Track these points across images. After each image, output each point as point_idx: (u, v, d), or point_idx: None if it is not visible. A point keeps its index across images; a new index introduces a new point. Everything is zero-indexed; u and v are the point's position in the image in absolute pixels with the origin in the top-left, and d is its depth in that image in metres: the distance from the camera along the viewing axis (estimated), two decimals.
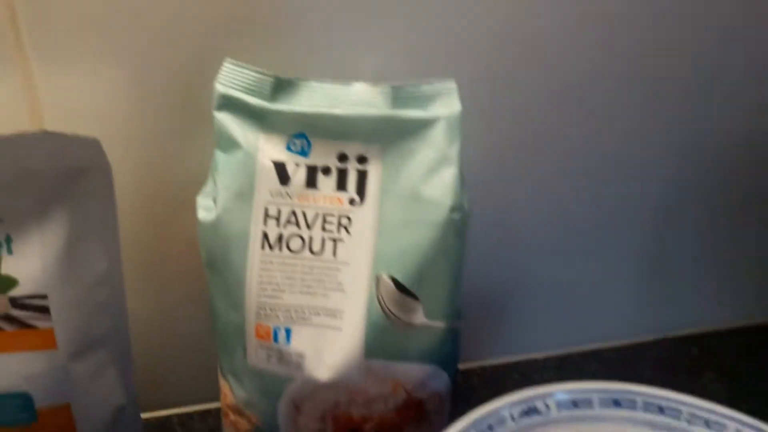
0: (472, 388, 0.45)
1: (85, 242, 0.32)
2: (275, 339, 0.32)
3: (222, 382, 0.36)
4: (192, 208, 0.34)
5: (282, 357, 0.32)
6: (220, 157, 0.32)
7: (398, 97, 0.31)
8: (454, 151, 0.30)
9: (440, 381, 0.33)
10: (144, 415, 0.41)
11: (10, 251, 0.31)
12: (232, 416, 0.35)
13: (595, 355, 0.47)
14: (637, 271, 0.47)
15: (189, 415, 0.42)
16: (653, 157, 0.44)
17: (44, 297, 0.32)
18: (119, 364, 0.35)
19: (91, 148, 0.31)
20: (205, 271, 0.34)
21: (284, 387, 0.32)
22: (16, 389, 0.33)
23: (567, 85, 0.40)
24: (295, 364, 0.32)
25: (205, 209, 0.32)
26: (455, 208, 0.31)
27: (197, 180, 0.35)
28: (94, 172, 0.31)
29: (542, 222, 0.43)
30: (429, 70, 0.37)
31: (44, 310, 0.32)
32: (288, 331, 0.32)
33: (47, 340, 0.33)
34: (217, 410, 0.43)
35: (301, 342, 0.32)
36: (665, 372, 0.46)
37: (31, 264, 0.31)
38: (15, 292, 0.32)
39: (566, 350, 0.47)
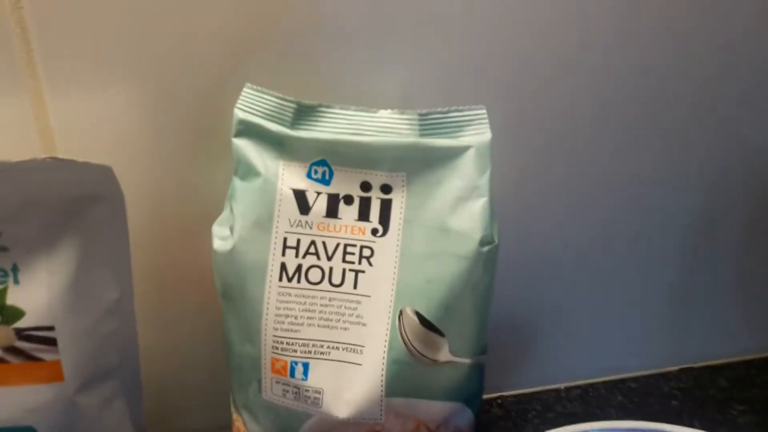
0: (492, 420, 0.43)
1: (95, 272, 0.31)
2: (292, 374, 0.30)
3: (235, 416, 0.34)
4: (207, 237, 0.33)
5: (299, 393, 0.31)
6: (238, 184, 0.31)
7: (426, 125, 0.30)
8: (484, 181, 0.29)
9: (464, 418, 0.32)
10: None
11: (16, 281, 0.30)
12: None
13: (619, 385, 0.46)
14: (664, 299, 0.46)
15: None
16: (680, 186, 0.42)
17: (51, 329, 0.30)
18: (128, 395, 0.34)
19: (103, 175, 0.30)
20: (220, 302, 0.32)
21: (301, 423, 0.31)
22: (21, 423, 0.31)
23: (594, 106, 0.39)
24: (313, 400, 0.30)
25: (222, 238, 0.31)
26: (484, 240, 0.29)
27: (213, 208, 0.34)
28: (106, 200, 0.30)
29: (567, 249, 0.42)
30: (454, 92, 0.36)
31: (51, 342, 0.31)
32: (306, 366, 0.31)
33: (54, 373, 0.31)
34: None
35: (319, 377, 0.30)
36: (692, 403, 0.44)
37: (38, 294, 0.30)
38: (21, 324, 0.30)
39: (589, 380, 0.46)
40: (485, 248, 0.29)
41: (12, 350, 0.31)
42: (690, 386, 0.46)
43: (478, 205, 0.29)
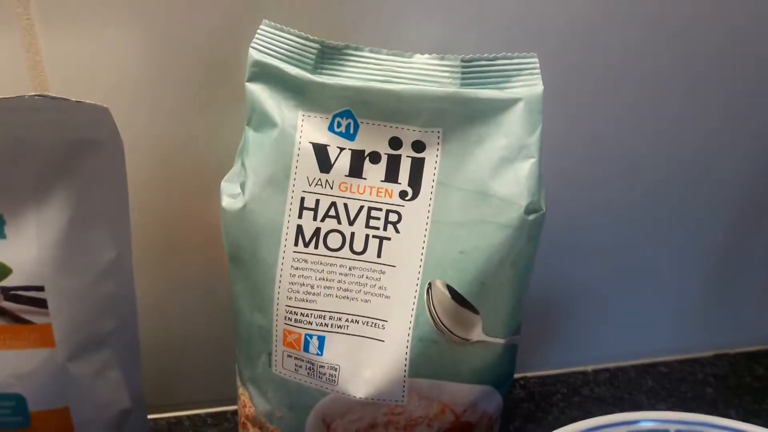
0: (515, 402, 0.41)
1: (90, 227, 0.28)
2: (306, 348, 0.28)
3: (241, 391, 0.32)
4: (215, 193, 0.29)
5: (313, 368, 0.28)
6: (251, 136, 0.28)
7: (469, 73, 0.26)
8: (534, 139, 0.26)
9: (493, 402, 0.29)
10: (152, 416, 0.37)
11: (2, 235, 0.27)
12: (251, 429, 0.31)
13: (649, 369, 0.43)
14: (700, 282, 0.42)
15: (202, 418, 0.38)
16: (725, 169, 0.39)
17: (41, 289, 0.27)
18: (125, 364, 0.31)
19: (99, 117, 0.26)
20: (229, 266, 0.29)
21: (314, 401, 0.28)
22: (8, 389, 0.28)
23: (647, 79, 0.35)
24: (328, 377, 0.28)
25: (231, 196, 0.28)
26: (531, 208, 0.26)
27: (222, 161, 0.31)
28: (103, 147, 0.27)
29: (604, 226, 0.39)
30: (496, 39, 0.32)
31: (41, 304, 0.28)
32: (321, 340, 0.28)
33: (44, 337, 0.28)
34: (234, 413, 0.39)
35: (335, 353, 0.27)
36: (728, 391, 0.42)
37: (26, 251, 0.27)
38: (8, 282, 0.27)
39: (618, 363, 0.43)
40: (531, 216, 0.26)
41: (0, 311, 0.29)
42: (725, 373, 0.43)
43: (526, 167, 0.26)
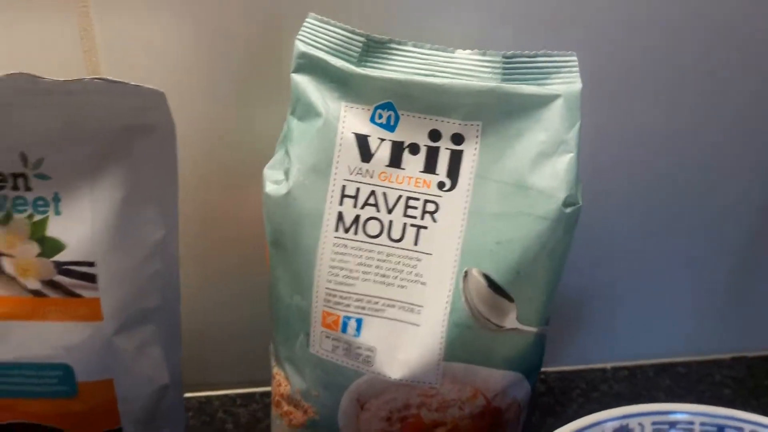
0: (535, 395, 0.42)
1: (141, 208, 0.29)
2: (344, 329, 0.29)
3: (276, 370, 0.33)
4: (257, 180, 0.30)
5: (350, 349, 0.29)
6: (295, 125, 0.29)
7: (510, 68, 0.27)
8: (572, 135, 0.26)
9: (522, 389, 0.30)
10: (184, 395, 0.39)
11: (58, 212, 0.28)
12: (285, 407, 0.32)
13: (667, 369, 0.44)
14: (721, 286, 0.43)
15: (231, 398, 0.39)
16: (746, 170, 0.39)
17: (92, 264, 0.29)
18: (166, 341, 0.33)
19: (155, 102, 0.27)
20: (270, 250, 0.30)
21: (349, 381, 0.29)
22: (57, 360, 0.30)
23: (685, 81, 0.35)
24: (364, 358, 0.29)
25: (274, 182, 0.29)
26: (569, 201, 0.27)
27: (265, 149, 0.32)
28: (156, 131, 0.28)
29: (626, 227, 0.39)
30: (533, 37, 0.32)
31: (91, 279, 0.29)
32: (359, 322, 0.29)
33: (92, 311, 0.30)
34: (262, 395, 0.40)
35: (372, 335, 0.28)
36: (746, 392, 0.42)
37: (80, 228, 0.28)
38: (61, 257, 0.29)
39: (637, 362, 0.44)
40: (568, 209, 0.27)
41: (51, 284, 0.29)
42: (743, 376, 0.44)
43: (564, 161, 0.26)
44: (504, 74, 0.27)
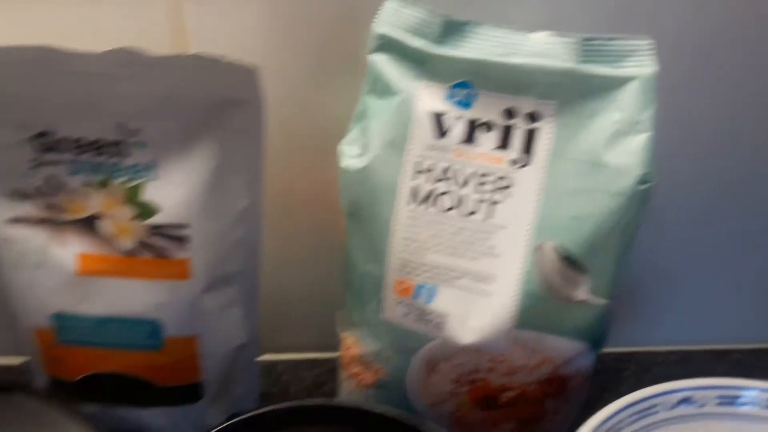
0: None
1: (230, 177, 0.31)
2: (416, 297, 0.30)
3: (346, 334, 0.35)
4: (332, 155, 0.32)
5: (422, 315, 0.30)
6: (373, 102, 0.30)
7: (586, 51, 0.27)
8: (647, 115, 0.27)
9: (587, 360, 0.31)
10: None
11: (153, 178, 0.31)
12: (355, 368, 0.34)
13: (723, 355, 0.44)
14: None
15: (296, 363, 0.42)
16: None
17: (185, 227, 0.31)
18: (246, 302, 0.35)
19: (247, 78, 0.29)
20: (345, 221, 0.32)
21: (420, 345, 0.31)
22: (147, 316, 0.32)
23: (757, 65, 0.35)
24: (436, 324, 0.30)
25: (351, 157, 0.31)
26: (644, 178, 0.27)
27: (340, 126, 0.33)
28: (247, 105, 0.30)
29: (691, 209, 0.39)
30: (605, 22, 0.33)
31: (182, 240, 0.31)
32: (431, 291, 0.30)
33: (182, 271, 0.32)
34: (326, 361, 0.42)
35: (444, 302, 0.30)
36: None
37: (174, 193, 0.31)
38: (156, 220, 0.31)
39: (691, 347, 0.44)
40: (643, 186, 0.28)
41: (144, 245, 0.32)
42: None
43: (640, 140, 0.27)
44: (580, 56, 0.27)
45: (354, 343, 0.34)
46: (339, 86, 0.35)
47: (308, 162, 0.36)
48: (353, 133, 0.31)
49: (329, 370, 0.41)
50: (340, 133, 0.33)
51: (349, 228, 0.32)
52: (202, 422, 0.37)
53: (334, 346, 0.39)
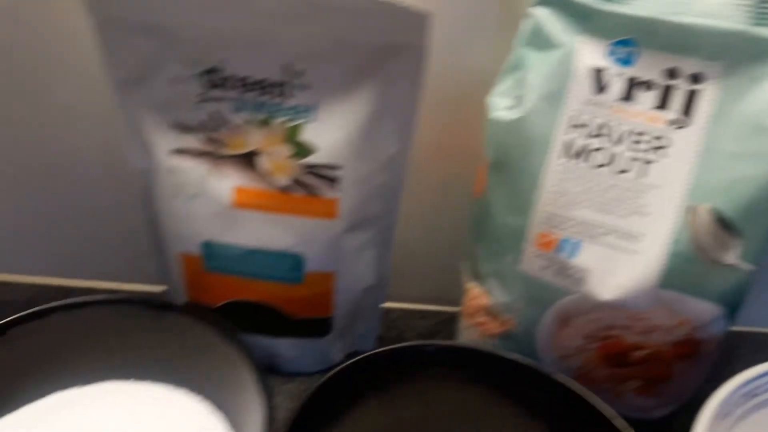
0: None
1: (385, 122, 0.32)
2: (559, 251, 0.31)
3: (473, 284, 0.36)
4: (474, 104, 0.33)
5: (562, 269, 0.31)
6: (532, 55, 0.31)
7: (760, 13, 0.27)
8: None
9: (722, 326, 0.31)
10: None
11: (313, 119, 0.32)
12: (480, 317, 0.35)
13: None
14: None
15: (411, 311, 0.43)
16: None
17: (337, 168, 0.33)
18: (381, 246, 0.36)
19: (418, 23, 0.30)
20: (489, 172, 0.33)
21: (556, 299, 0.32)
22: (293, 250, 0.34)
23: None
24: (576, 278, 0.31)
25: (503, 109, 0.31)
26: None
27: (486, 76, 0.34)
28: (414, 51, 0.31)
29: None
30: None
31: (334, 181, 0.33)
32: (575, 245, 0.31)
33: (330, 210, 0.34)
34: (437, 313, 0.44)
35: (587, 258, 0.30)
36: None
37: (332, 134, 0.32)
38: (311, 160, 0.33)
39: None
40: None
41: (298, 182, 0.33)
42: None
43: None
44: (753, 18, 0.27)
45: (481, 294, 0.35)
46: (487, 37, 0.35)
47: (446, 111, 0.37)
48: (505, 85, 0.32)
49: (441, 322, 0.43)
50: (483, 85, 0.33)
51: (490, 179, 0.33)
52: (326, 356, 0.39)
53: (447, 300, 0.42)
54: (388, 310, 0.43)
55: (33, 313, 0.33)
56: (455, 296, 0.41)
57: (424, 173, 0.39)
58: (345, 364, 0.31)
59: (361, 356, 0.32)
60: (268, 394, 0.30)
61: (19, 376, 0.34)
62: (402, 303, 0.44)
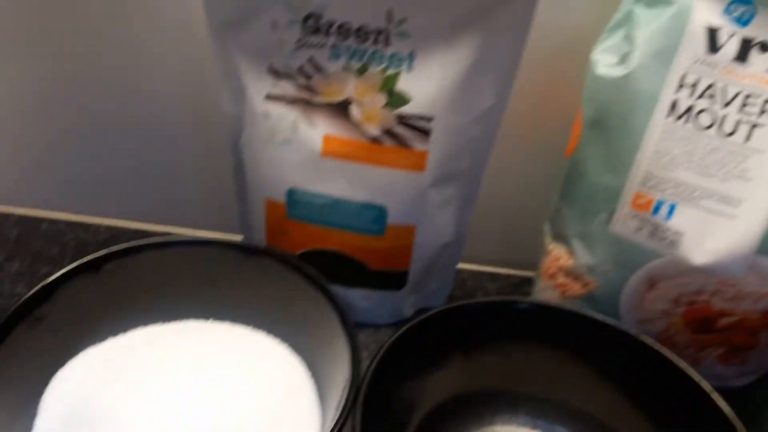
0: None
1: (484, 74, 0.32)
2: (654, 212, 0.31)
3: (554, 245, 0.36)
4: (579, 61, 0.32)
5: (656, 231, 0.31)
6: (641, 11, 0.30)
7: None
8: None
9: None
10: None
11: (410, 68, 0.32)
12: (561, 279, 0.35)
13: None
14: None
15: (481, 273, 0.43)
16: None
17: (430, 119, 0.32)
18: (464, 202, 0.36)
19: None
20: (585, 130, 0.33)
21: (646, 261, 0.31)
22: (377, 201, 0.34)
23: None
24: (669, 241, 0.31)
25: (608, 65, 0.31)
26: None
27: (590, 32, 0.33)
28: (520, 3, 0.30)
29: None
30: None
31: (425, 133, 0.33)
32: (672, 207, 0.30)
33: (419, 162, 0.33)
34: (507, 276, 0.44)
35: (683, 221, 0.30)
36: None
37: (427, 85, 0.32)
38: (405, 110, 0.32)
39: None
40: None
41: (389, 133, 0.33)
42: None
43: None
44: None
45: (564, 255, 0.35)
46: None
47: (544, 66, 0.36)
48: (611, 41, 0.31)
49: (511, 285, 0.43)
50: (584, 41, 0.33)
51: (586, 137, 0.33)
52: (397, 310, 0.39)
53: (518, 263, 0.42)
54: (459, 270, 0.43)
55: (125, 249, 0.34)
56: (527, 260, 0.42)
57: (515, 129, 0.38)
58: (433, 312, 0.31)
59: (448, 306, 0.31)
60: (354, 343, 0.30)
61: (106, 311, 0.35)
62: (472, 264, 0.44)
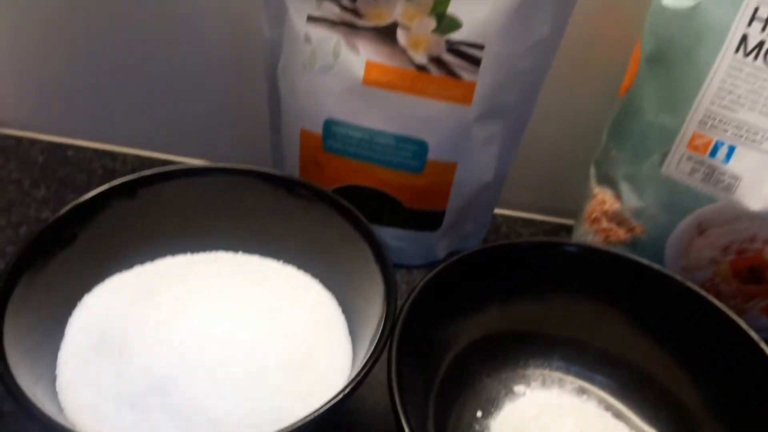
0: None
1: (538, 3, 0.30)
2: (712, 154, 0.29)
3: (599, 189, 0.35)
4: None
5: (711, 174, 0.30)
6: None
7: None
8: None
9: None
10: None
11: None
12: (604, 224, 0.34)
13: None
14: None
15: (515, 219, 0.42)
16: None
17: (481, 47, 0.31)
18: (508, 140, 0.35)
19: None
20: (643, 65, 0.31)
21: (697, 205, 0.30)
22: (417, 135, 0.33)
23: None
24: (725, 185, 0.29)
25: None
26: None
27: None
28: None
29: None
30: None
31: (475, 62, 0.31)
32: (731, 150, 0.29)
33: (465, 94, 0.32)
34: (542, 222, 0.42)
35: (741, 164, 0.29)
36: None
37: (479, 10, 0.30)
38: (454, 36, 0.31)
39: None
40: None
41: (437, 61, 0.32)
42: None
43: None
44: None
45: (610, 198, 0.34)
46: None
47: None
48: None
49: (546, 231, 0.42)
50: None
51: (643, 74, 0.31)
52: (430, 251, 0.38)
53: (554, 210, 0.41)
54: (493, 215, 0.42)
55: (159, 174, 0.33)
56: (565, 207, 0.41)
57: (567, 65, 0.36)
58: (473, 250, 0.30)
59: (489, 245, 0.30)
60: (389, 278, 0.28)
61: (136, 237, 0.34)
62: (507, 209, 0.43)
